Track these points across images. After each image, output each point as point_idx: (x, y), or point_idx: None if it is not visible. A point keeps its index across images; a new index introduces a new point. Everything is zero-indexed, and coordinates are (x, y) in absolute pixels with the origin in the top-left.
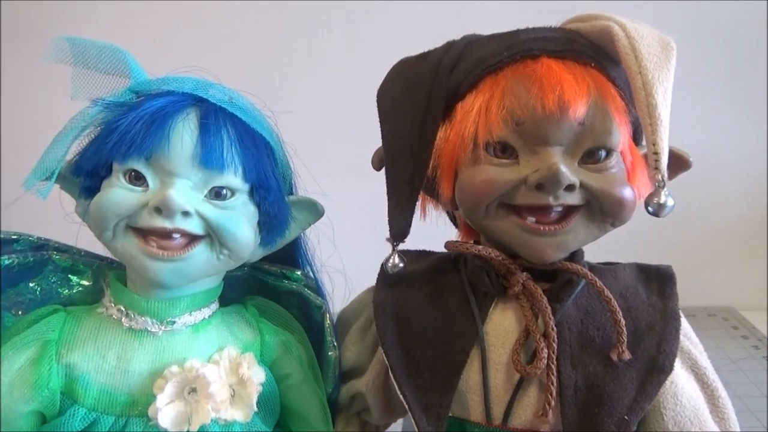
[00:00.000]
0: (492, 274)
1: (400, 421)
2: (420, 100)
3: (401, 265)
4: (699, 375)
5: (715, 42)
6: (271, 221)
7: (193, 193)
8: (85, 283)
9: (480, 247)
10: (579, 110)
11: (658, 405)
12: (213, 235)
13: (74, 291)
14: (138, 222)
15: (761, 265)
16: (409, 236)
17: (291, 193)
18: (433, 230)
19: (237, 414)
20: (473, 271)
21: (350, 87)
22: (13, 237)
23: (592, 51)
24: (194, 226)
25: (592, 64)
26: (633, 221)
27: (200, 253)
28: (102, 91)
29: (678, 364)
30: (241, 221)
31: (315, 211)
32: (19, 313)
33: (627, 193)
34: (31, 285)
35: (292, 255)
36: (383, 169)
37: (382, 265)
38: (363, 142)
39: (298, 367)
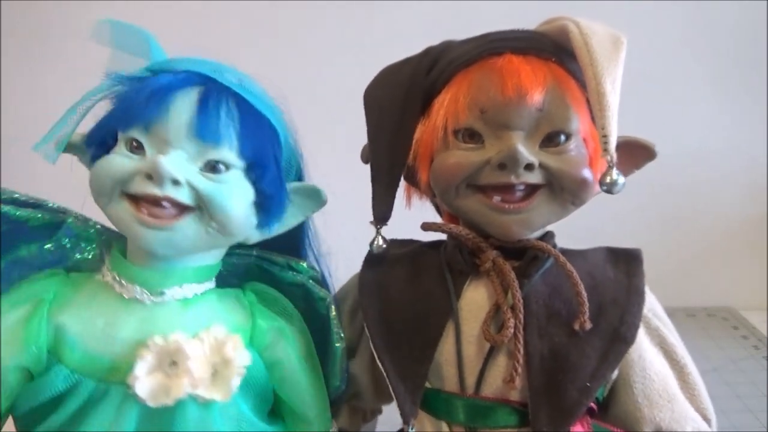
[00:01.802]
0: (465, 252)
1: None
2: (399, 99)
3: (384, 245)
4: (668, 351)
5: (715, 42)
6: (266, 202)
7: (188, 165)
8: (96, 252)
9: (453, 226)
10: (535, 96)
11: (627, 378)
12: (203, 207)
13: (85, 256)
14: (131, 188)
15: (761, 265)
16: (399, 227)
17: (300, 181)
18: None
19: (215, 393)
20: (449, 251)
21: (351, 81)
22: (38, 201)
23: (554, 48)
24: (184, 196)
25: (553, 59)
26: (633, 222)
27: (189, 224)
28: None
29: (646, 340)
30: (231, 195)
31: (318, 198)
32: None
33: (585, 173)
34: (46, 245)
35: (298, 245)
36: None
37: (369, 249)
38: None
39: (292, 357)
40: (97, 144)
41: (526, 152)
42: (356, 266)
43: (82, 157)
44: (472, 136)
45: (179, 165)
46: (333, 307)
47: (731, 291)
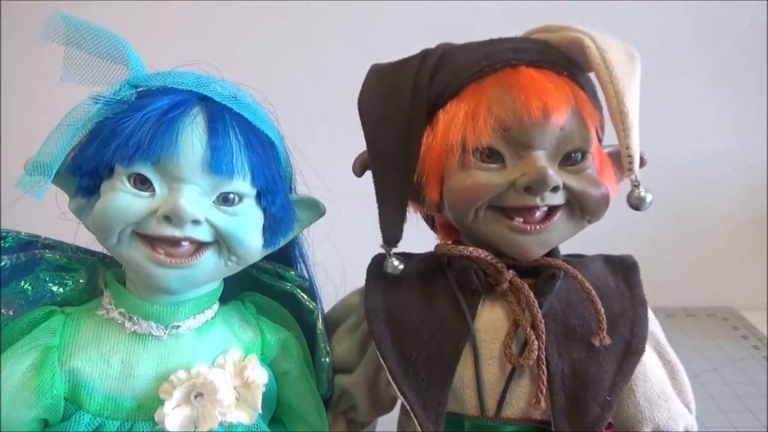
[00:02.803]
0: (480, 273)
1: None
2: (402, 111)
3: (401, 266)
4: (661, 353)
5: (715, 42)
6: (276, 224)
7: (202, 199)
8: (81, 281)
9: (471, 248)
10: (561, 116)
11: (631, 383)
12: (221, 242)
13: (67, 289)
14: (146, 229)
15: (761, 265)
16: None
17: (290, 190)
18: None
19: (242, 416)
20: (460, 271)
21: (353, 82)
22: (1, 234)
23: (564, 60)
24: (203, 234)
25: (565, 73)
26: (633, 222)
27: (208, 259)
28: (95, 75)
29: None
30: (249, 228)
31: (317, 210)
32: (10, 313)
33: (603, 191)
34: (22, 284)
35: (288, 253)
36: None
37: (368, 272)
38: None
39: (296, 365)
40: (86, 173)
41: (555, 175)
42: (356, 275)
43: (61, 183)
44: (491, 155)
45: (197, 203)
46: (320, 320)
47: (731, 291)
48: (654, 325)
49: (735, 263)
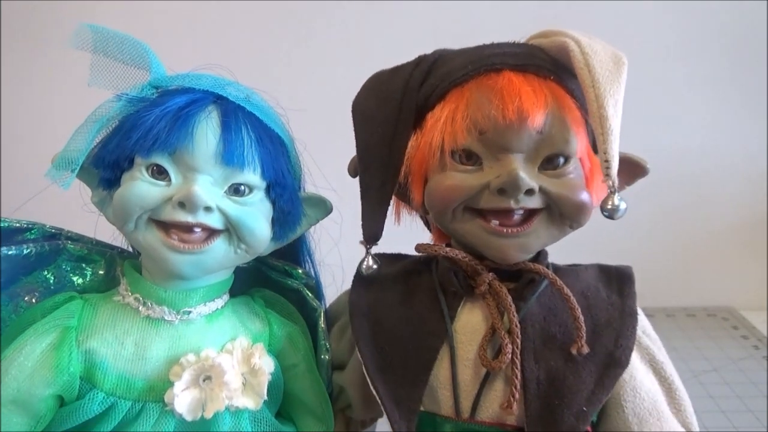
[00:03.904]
0: (460, 275)
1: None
2: (391, 113)
3: (375, 266)
4: (657, 369)
5: (715, 42)
6: (285, 217)
7: (214, 189)
8: (100, 272)
9: (448, 249)
10: (537, 120)
11: (619, 398)
12: (231, 230)
13: (87, 279)
14: (161, 215)
15: (761, 265)
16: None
17: (299, 189)
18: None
19: (248, 402)
20: (443, 272)
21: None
22: (26, 225)
23: (552, 65)
24: (215, 221)
25: (551, 77)
26: (633, 222)
27: (219, 246)
28: (119, 80)
29: (637, 359)
30: (258, 217)
31: (324, 207)
32: (33, 300)
33: (584, 197)
34: (45, 273)
35: (296, 251)
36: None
37: (358, 267)
38: None
39: (302, 358)
40: (108, 166)
41: (527, 178)
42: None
43: (84, 176)
44: (469, 157)
45: (209, 191)
46: (323, 318)
47: (731, 291)
48: (650, 340)
49: (735, 263)
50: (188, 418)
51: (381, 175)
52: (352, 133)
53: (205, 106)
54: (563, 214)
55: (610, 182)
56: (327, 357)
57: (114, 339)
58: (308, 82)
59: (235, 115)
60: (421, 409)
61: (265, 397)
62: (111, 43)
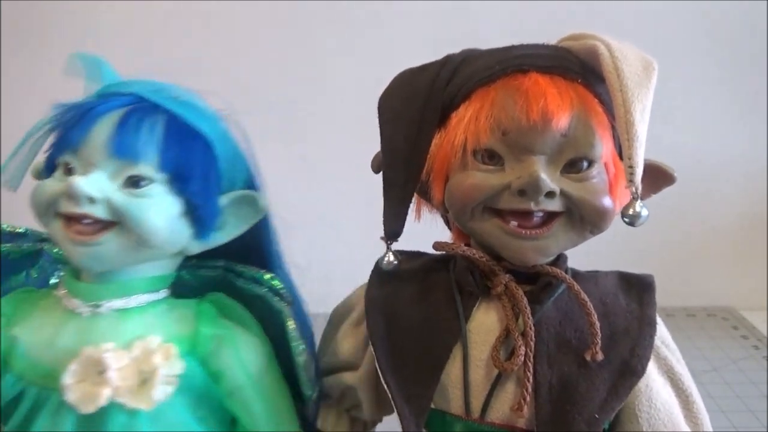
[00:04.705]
0: (477, 275)
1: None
2: (417, 111)
3: (395, 262)
4: (674, 381)
5: (715, 42)
6: (197, 212)
7: (108, 182)
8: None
9: (466, 248)
10: (561, 122)
11: (633, 407)
12: (124, 222)
13: (61, 277)
14: (59, 208)
15: (761, 265)
16: (407, 238)
17: (249, 188)
18: (429, 233)
19: (140, 402)
20: (460, 271)
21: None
22: (19, 231)
23: (580, 68)
24: (100, 212)
25: (579, 80)
26: None
27: (112, 238)
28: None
29: (654, 370)
30: (149, 208)
31: (256, 205)
32: None
33: (606, 202)
34: (32, 273)
35: (264, 254)
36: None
37: (376, 263)
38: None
39: (238, 367)
40: (48, 170)
41: (548, 180)
42: (364, 274)
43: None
44: (491, 157)
45: (96, 183)
46: (290, 320)
47: (731, 291)
48: (668, 351)
49: (735, 263)
50: (80, 409)
51: (404, 172)
52: (358, 133)
53: (118, 106)
54: (584, 218)
55: (633, 188)
56: (301, 357)
57: (35, 327)
58: (322, 82)
59: (144, 112)
60: (432, 407)
61: (160, 399)
62: (88, 65)
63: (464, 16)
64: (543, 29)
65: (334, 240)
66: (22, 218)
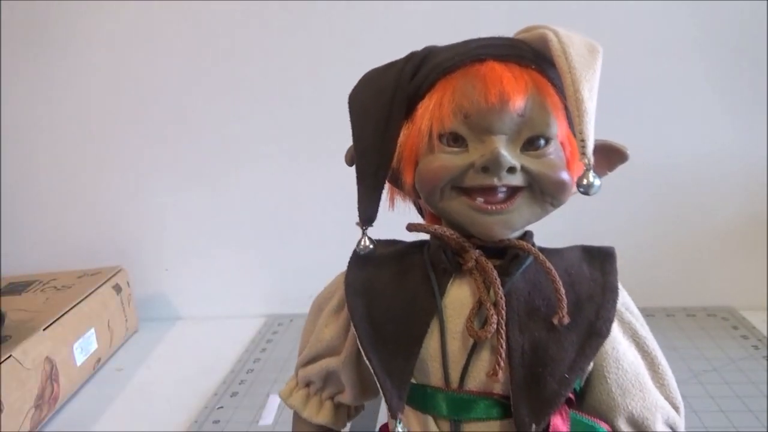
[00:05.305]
0: (449, 253)
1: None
2: (384, 103)
3: (371, 246)
4: (639, 344)
5: (715, 42)
6: None
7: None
8: None
9: (437, 226)
10: (517, 103)
11: (602, 369)
12: None
13: None
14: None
15: (761, 265)
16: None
17: None
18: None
19: None
20: (433, 251)
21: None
22: None
23: (533, 55)
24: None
25: (533, 66)
26: (633, 222)
27: None
28: None
29: (619, 333)
30: None
31: None
32: None
33: (563, 176)
34: None
35: None
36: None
37: (354, 250)
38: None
39: None
40: None
41: (509, 156)
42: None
43: None
44: (456, 140)
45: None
46: None
47: (731, 291)
48: (632, 316)
49: (735, 263)
50: None
51: (375, 161)
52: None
53: None
54: (544, 191)
55: (586, 160)
56: None
57: None
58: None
59: None
60: (413, 382)
61: None
62: None
63: (464, 16)
64: None
65: (333, 240)
66: (22, 218)
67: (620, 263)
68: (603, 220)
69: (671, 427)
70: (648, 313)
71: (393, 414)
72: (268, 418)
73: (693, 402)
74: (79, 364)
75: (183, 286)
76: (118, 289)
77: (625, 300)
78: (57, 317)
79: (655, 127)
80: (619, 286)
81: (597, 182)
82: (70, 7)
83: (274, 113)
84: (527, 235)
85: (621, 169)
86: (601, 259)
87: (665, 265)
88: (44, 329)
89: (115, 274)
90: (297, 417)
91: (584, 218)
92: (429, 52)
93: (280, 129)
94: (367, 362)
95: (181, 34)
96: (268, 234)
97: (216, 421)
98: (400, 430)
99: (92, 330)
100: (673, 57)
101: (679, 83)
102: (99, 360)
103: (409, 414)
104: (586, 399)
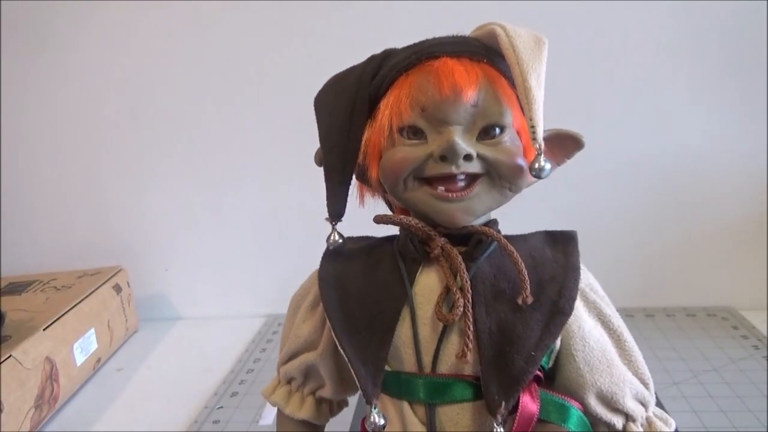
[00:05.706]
0: (416, 242)
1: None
2: (347, 103)
3: (340, 240)
4: (604, 322)
5: (715, 42)
6: None
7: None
8: None
9: (403, 217)
10: (470, 94)
11: (570, 348)
12: None
13: None
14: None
15: (761, 265)
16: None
17: None
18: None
19: None
20: (402, 242)
21: None
22: None
23: (484, 50)
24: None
25: (484, 60)
26: (633, 222)
27: None
28: None
29: (584, 312)
30: None
31: None
32: None
33: (519, 161)
34: None
35: None
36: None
37: (326, 244)
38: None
39: None
40: None
41: (464, 144)
42: None
43: None
44: (415, 133)
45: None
46: None
47: (731, 291)
48: (597, 296)
49: (735, 263)
50: None
51: (341, 158)
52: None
53: None
54: (501, 177)
55: (537, 145)
56: None
57: None
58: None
59: None
60: (388, 369)
61: None
62: None
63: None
64: (543, 30)
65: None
66: (22, 218)
67: (620, 263)
68: (603, 220)
69: (641, 402)
70: (648, 313)
71: (368, 400)
72: (268, 418)
73: (693, 402)
74: (79, 364)
75: (183, 286)
76: (118, 289)
77: (589, 281)
78: (57, 317)
79: (655, 127)
80: (582, 267)
81: (548, 166)
82: (70, 7)
83: (275, 113)
84: (491, 222)
85: (621, 169)
86: (563, 242)
87: (665, 265)
88: (44, 329)
89: (115, 274)
90: (280, 414)
91: (584, 218)
92: (388, 54)
93: (281, 129)
94: (341, 351)
95: (181, 33)
96: (269, 234)
97: (216, 421)
98: (375, 415)
99: (92, 330)
100: (673, 57)
101: (679, 83)
102: (99, 360)
103: (386, 401)
104: (557, 378)
